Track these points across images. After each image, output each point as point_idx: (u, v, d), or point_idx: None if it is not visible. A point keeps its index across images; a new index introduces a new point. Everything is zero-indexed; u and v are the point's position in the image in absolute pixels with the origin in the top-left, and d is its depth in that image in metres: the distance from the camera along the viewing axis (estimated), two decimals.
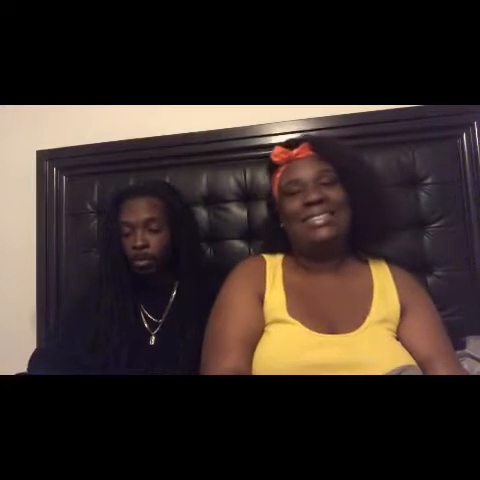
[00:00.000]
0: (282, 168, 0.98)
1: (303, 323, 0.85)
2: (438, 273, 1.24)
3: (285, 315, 0.86)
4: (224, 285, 0.95)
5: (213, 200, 1.38)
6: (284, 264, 0.98)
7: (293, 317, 0.86)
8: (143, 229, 1.07)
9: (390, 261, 1.00)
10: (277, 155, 0.98)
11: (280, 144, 1.01)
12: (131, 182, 1.38)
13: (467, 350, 1.00)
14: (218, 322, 0.89)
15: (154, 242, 1.07)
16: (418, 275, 1.20)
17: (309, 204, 0.88)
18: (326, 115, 1.33)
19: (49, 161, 1.52)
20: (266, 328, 0.87)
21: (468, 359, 0.98)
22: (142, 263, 1.06)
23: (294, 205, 0.91)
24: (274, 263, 0.98)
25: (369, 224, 0.93)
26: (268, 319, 0.88)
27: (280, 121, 1.35)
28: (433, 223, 1.25)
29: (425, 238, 1.25)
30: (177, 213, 1.12)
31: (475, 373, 0.93)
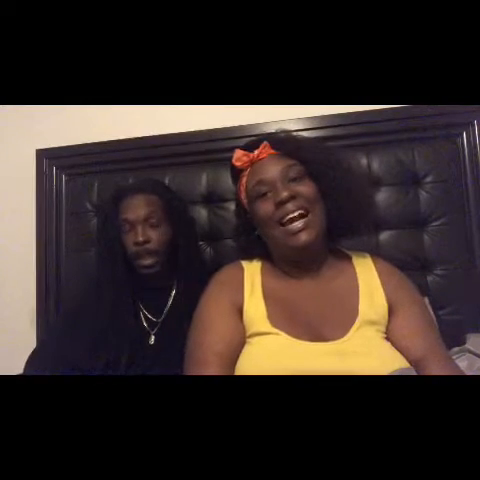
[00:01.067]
0: (246, 172, 0.94)
1: (287, 332, 0.80)
2: (438, 272, 1.24)
3: (267, 326, 0.82)
4: (203, 295, 0.92)
5: (213, 199, 1.38)
6: (263, 271, 0.94)
7: (276, 327, 0.81)
8: (143, 224, 1.08)
9: (374, 255, 0.97)
10: (238, 159, 0.93)
11: (239, 147, 0.96)
12: (131, 181, 1.38)
13: (467, 345, 1.00)
14: (197, 335, 0.86)
15: (155, 237, 1.08)
16: (418, 274, 1.21)
17: (281, 203, 0.84)
18: (326, 114, 1.33)
19: (49, 160, 1.52)
20: (248, 340, 0.84)
21: (468, 355, 0.97)
22: (146, 262, 1.07)
23: (266, 207, 0.87)
24: (252, 270, 0.94)
25: (344, 217, 0.89)
26: (249, 331, 0.84)
27: (279, 120, 1.35)
28: (433, 222, 1.25)
29: (425, 237, 1.25)
30: (175, 210, 1.13)
31: (475, 368, 0.93)
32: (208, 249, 1.36)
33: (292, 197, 0.84)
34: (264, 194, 0.88)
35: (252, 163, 0.93)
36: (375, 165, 1.29)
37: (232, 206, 1.33)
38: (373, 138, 1.32)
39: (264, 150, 0.91)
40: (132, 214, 1.08)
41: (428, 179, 1.26)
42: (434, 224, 1.25)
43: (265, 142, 0.92)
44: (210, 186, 1.38)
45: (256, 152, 0.92)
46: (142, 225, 1.07)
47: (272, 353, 0.79)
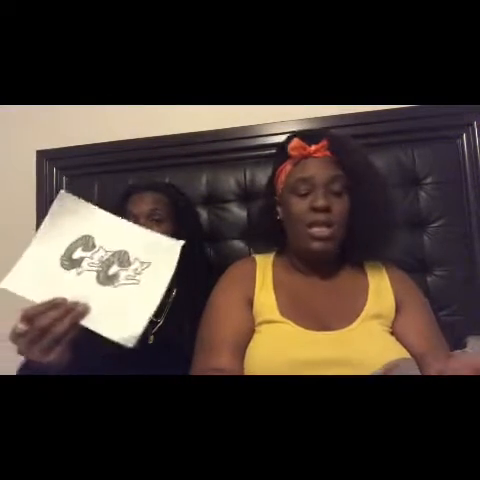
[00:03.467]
0: (294, 161, 0.92)
1: (295, 322, 0.84)
2: (438, 273, 1.24)
3: (276, 315, 0.86)
4: (214, 288, 0.95)
5: (213, 200, 1.38)
6: (274, 264, 0.97)
7: (284, 316, 0.85)
8: (146, 219, 1.11)
9: (385, 260, 0.99)
10: (295, 149, 0.90)
11: (297, 134, 0.94)
12: (131, 182, 1.38)
13: (467, 349, 1.00)
14: (208, 326, 0.89)
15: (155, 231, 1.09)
16: (418, 275, 1.20)
17: (316, 209, 0.85)
18: (326, 115, 1.33)
19: (49, 161, 1.52)
20: (257, 328, 0.87)
21: None
22: None
23: (301, 206, 0.88)
24: (264, 264, 0.97)
25: (367, 234, 0.90)
26: (258, 319, 0.87)
27: (280, 121, 1.35)
28: (433, 223, 1.25)
29: (425, 238, 1.25)
30: (180, 210, 1.15)
31: None
32: (208, 249, 1.36)
33: (328, 209, 0.85)
34: (303, 194, 0.88)
35: (304, 157, 0.91)
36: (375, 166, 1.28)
37: (232, 207, 1.35)
38: (373, 139, 1.31)
39: (321, 149, 0.89)
40: (137, 208, 1.12)
41: (428, 180, 1.26)
42: (434, 225, 1.25)
43: (324, 141, 0.89)
44: (210, 187, 1.38)
45: (313, 148, 0.89)
46: (145, 219, 1.10)
47: (279, 340, 0.83)
